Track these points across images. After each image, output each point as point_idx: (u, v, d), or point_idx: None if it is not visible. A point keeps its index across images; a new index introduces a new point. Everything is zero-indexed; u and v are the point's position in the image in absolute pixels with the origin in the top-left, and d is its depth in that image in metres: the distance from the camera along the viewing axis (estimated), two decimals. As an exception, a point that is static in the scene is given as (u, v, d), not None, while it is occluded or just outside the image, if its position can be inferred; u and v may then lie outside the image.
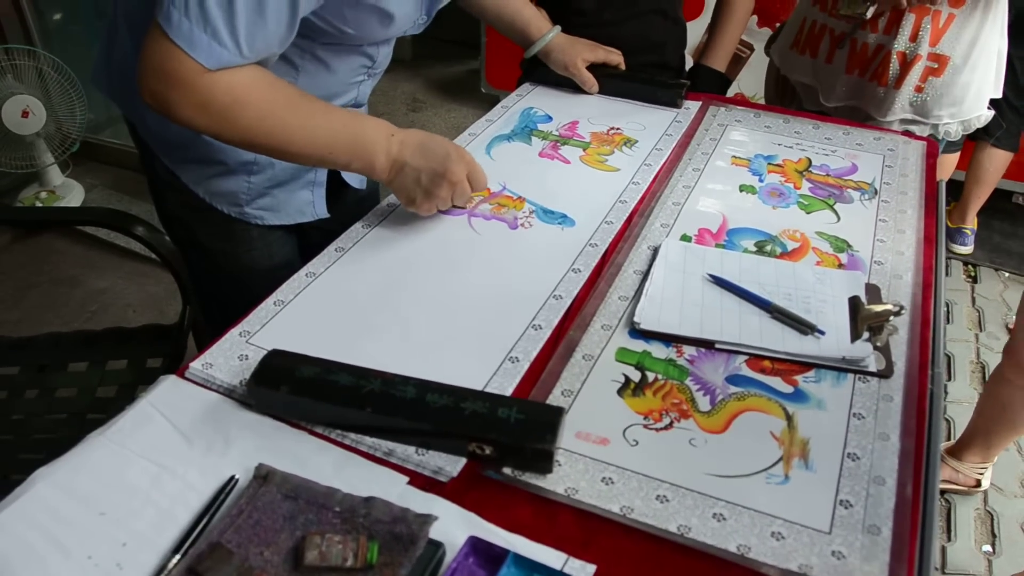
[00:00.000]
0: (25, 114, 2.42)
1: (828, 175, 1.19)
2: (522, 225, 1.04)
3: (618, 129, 1.30)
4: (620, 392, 0.78)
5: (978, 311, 2.41)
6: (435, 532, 0.62)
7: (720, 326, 0.86)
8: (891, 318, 0.86)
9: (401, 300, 0.89)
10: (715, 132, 1.32)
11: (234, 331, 0.83)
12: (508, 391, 0.77)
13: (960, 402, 2.06)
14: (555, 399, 0.77)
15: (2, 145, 2.48)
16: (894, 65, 1.49)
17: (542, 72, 1.42)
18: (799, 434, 0.74)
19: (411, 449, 0.70)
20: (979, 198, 2.62)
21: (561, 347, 0.83)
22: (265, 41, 0.84)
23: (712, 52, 1.58)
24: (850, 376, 0.81)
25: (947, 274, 2.57)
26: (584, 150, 1.23)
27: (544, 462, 0.68)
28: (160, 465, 0.68)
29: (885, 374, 0.81)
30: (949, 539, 1.73)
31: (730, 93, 1.74)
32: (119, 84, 1.07)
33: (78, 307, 2.31)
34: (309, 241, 1.16)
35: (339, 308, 0.87)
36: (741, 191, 1.14)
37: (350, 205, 1.17)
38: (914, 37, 1.46)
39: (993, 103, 1.54)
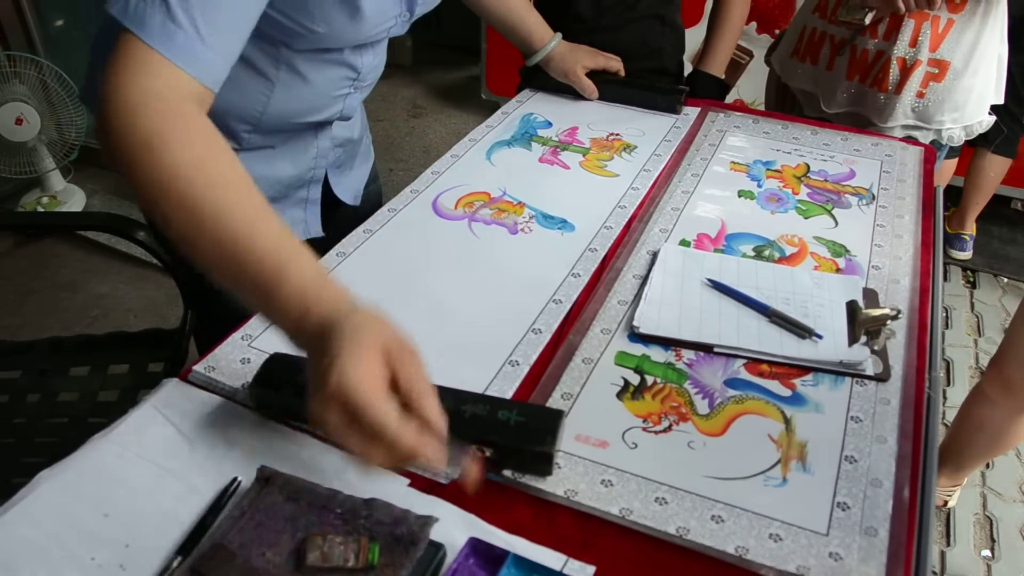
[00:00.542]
0: (19, 121, 2.43)
1: (826, 180, 1.20)
2: (522, 230, 1.05)
3: (617, 135, 1.31)
4: (619, 395, 0.79)
5: (977, 316, 2.41)
6: (436, 533, 0.62)
7: (719, 330, 0.87)
8: (888, 322, 0.87)
9: (402, 304, 0.90)
10: (714, 138, 1.32)
11: (236, 335, 0.84)
12: (508, 394, 0.78)
13: (959, 407, 2.06)
14: (555, 402, 0.78)
15: (1, 152, 2.49)
16: (894, 71, 1.50)
17: (542, 78, 1.43)
18: (797, 437, 0.74)
19: (412, 451, 0.71)
20: (978, 204, 2.63)
21: (561, 351, 0.84)
22: (229, 18, 0.73)
23: (709, 58, 1.58)
24: (847, 380, 0.81)
25: (946, 279, 2.58)
26: (584, 156, 1.24)
27: (544, 464, 0.69)
28: (163, 467, 0.69)
29: (882, 378, 0.81)
30: (948, 544, 1.73)
31: (729, 99, 1.75)
32: None
33: (79, 312, 2.32)
34: None
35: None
36: (740, 196, 1.15)
37: (347, 220, 1.10)
38: (914, 43, 1.46)
39: (993, 109, 1.55)
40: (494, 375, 0.80)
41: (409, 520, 0.63)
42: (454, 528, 0.64)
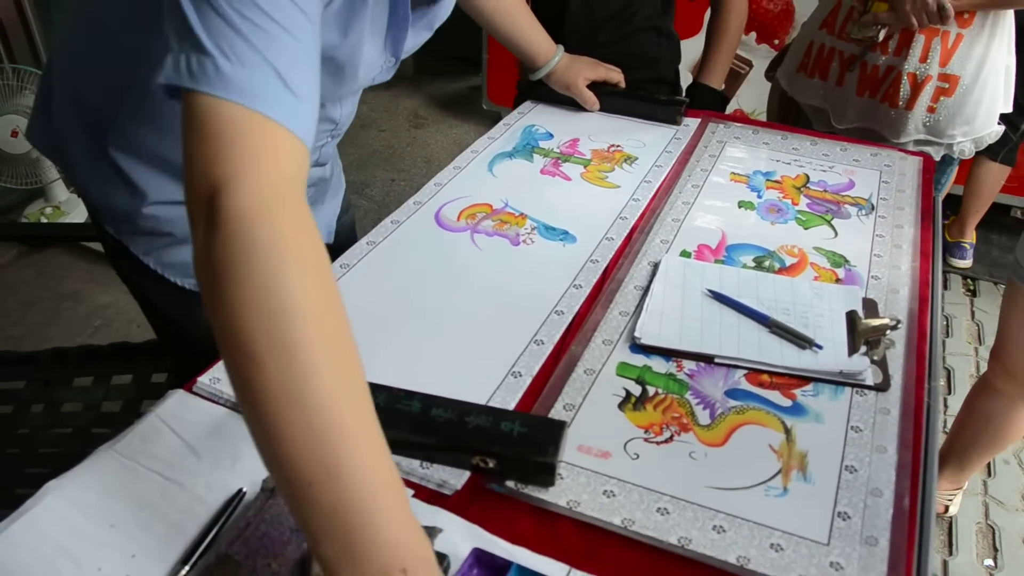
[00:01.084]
0: (15, 133, 2.44)
1: (826, 191, 1.21)
2: (524, 241, 1.05)
3: (618, 146, 1.32)
4: (621, 406, 0.79)
5: (977, 325, 2.42)
6: (440, 544, 0.63)
7: (719, 341, 0.87)
8: (888, 332, 0.88)
9: (406, 316, 0.91)
10: (714, 149, 1.33)
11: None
12: (511, 405, 0.78)
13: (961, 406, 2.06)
14: (557, 413, 0.78)
15: (3, 162, 2.50)
16: (905, 86, 1.51)
17: (543, 90, 1.44)
18: (797, 447, 0.75)
19: (415, 462, 0.71)
20: (977, 212, 2.64)
21: (563, 362, 0.84)
22: (310, 70, 0.62)
23: (708, 70, 1.59)
24: (848, 389, 0.82)
25: (946, 288, 2.58)
26: (585, 167, 1.25)
27: (546, 475, 0.69)
28: (169, 478, 0.69)
29: (882, 387, 0.82)
30: (951, 553, 1.73)
31: (729, 109, 1.75)
32: (56, 145, 0.95)
33: (82, 322, 2.32)
34: None
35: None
36: (740, 207, 1.16)
37: None
38: (924, 58, 1.48)
39: (1002, 117, 1.56)
40: (497, 386, 0.81)
41: (413, 530, 0.63)
42: (458, 539, 0.64)
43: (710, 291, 0.95)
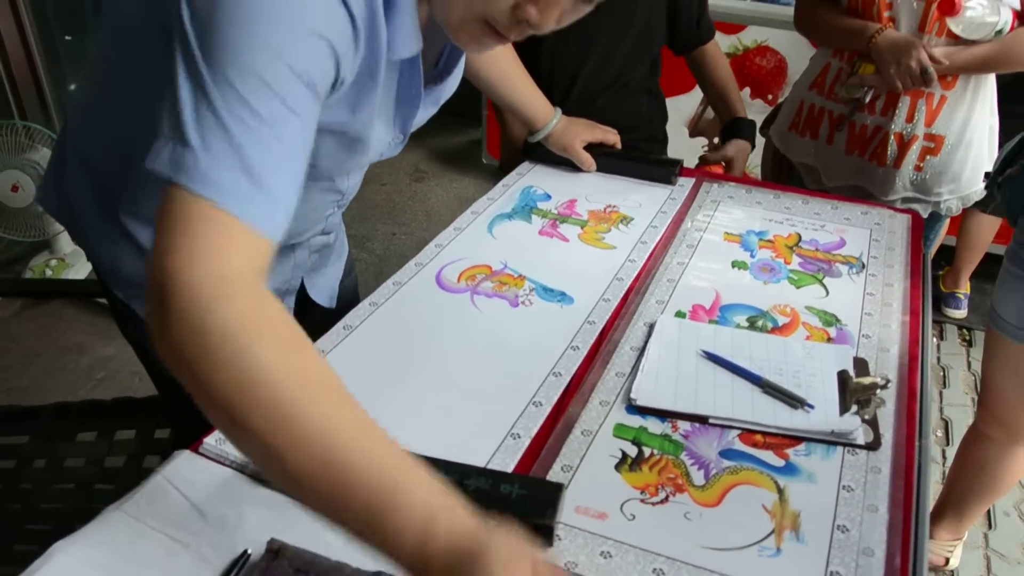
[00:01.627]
0: (15, 188, 2.48)
1: (817, 250, 1.24)
2: (523, 303, 1.08)
3: (615, 207, 1.35)
4: (618, 467, 0.81)
5: (974, 375, 2.43)
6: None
7: (714, 401, 0.89)
8: (878, 391, 0.90)
9: (407, 377, 0.93)
10: (708, 208, 1.37)
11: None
12: (510, 467, 0.80)
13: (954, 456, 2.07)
14: (555, 474, 0.80)
15: (7, 216, 2.54)
16: (892, 146, 1.56)
17: (540, 151, 1.48)
18: (790, 507, 0.76)
19: (417, 523, 0.73)
20: (971, 263, 2.67)
21: (561, 423, 0.86)
22: (291, 168, 0.66)
23: (734, 106, 1.69)
24: (839, 449, 0.84)
25: (943, 339, 2.60)
26: (582, 228, 1.28)
27: (545, 537, 0.71)
28: (175, 539, 0.71)
29: (873, 446, 0.84)
30: (953, 607, 1.73)
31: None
32: (67, 207, 0.97)
33: (85, 374, 2.34)
34: None
35: (347, 385, 0.90)
36: (733, 267, 1.19)
37: (326, 318, 1.05)
38: (910, 118, 1.53)
39: (987, 175, 1.61)
40: (496, 447, 0.82)
41: (414, 593, 0.64)
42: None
43: (704, 352, 0.97)
